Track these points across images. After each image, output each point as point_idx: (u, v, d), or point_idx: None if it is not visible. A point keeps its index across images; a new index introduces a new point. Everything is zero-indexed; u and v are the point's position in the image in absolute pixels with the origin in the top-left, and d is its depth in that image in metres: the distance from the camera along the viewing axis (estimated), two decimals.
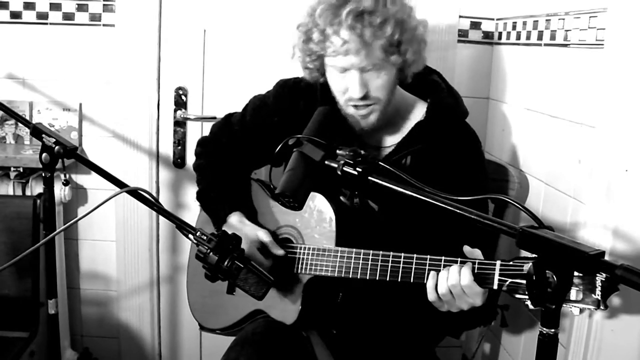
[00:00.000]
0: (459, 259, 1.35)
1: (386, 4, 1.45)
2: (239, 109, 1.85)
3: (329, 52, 1.49)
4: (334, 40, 1.46)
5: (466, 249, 1.36)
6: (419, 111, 1.64)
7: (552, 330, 0.95)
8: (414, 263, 1.40)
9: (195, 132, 2.41)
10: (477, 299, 1.32)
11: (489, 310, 1.47)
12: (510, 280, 1.26)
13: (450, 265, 1.35)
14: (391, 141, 1.65)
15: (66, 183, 2.24)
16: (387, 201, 1.58)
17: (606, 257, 0.92)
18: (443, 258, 1.37)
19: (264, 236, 1.66)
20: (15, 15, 2.32)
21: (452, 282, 1.32)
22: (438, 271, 1.36)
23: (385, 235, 1.52)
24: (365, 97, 1.50)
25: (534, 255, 0.96)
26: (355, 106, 1.53)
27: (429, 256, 1.39)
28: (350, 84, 1.50)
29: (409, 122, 1.63)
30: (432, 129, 1.60)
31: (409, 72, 1.55)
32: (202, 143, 1.89)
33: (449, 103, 1.64)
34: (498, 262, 1.29)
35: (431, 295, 1.37)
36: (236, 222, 1.71)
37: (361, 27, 1.42)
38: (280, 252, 1.64)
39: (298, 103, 1.70)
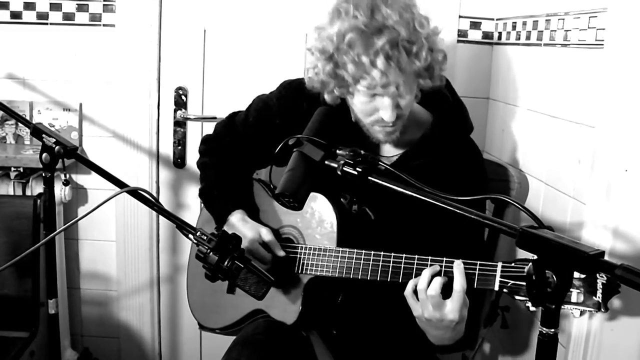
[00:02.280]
0: (460, 260, 1.35)
1: (416, 27, 1.40)
2: (239, 109, 1.85)
3: (364, 84, 1.42)
4: (372, 73, 1.39)
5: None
6: (424, 123, 1.63)
7: (552, 330, 0.95)
8: (415, 264, 1.40)
9: (196, 132, 2.41)
10: (436, 313, 1.33)
11: (468, 339, 1.49)
12: (511, 282, 1.26)
13: (451, 267, 1.35)
14: (393, 152, 1.64)
15: (66, 183, 2.25)
16: (385, 210, 1.58)
17: (606, 257, 0.92)
18: (444, 259, 1.37)
19: (266, 234, 1.66)
20: (15, 15, 2.33)
21: (420, 286, 1.34)
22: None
23: (381, 243, 1.52)
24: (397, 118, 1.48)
25: (535, 257, 0.96)
26: (384, 126, 1.51)
27: (430, 257, 1.39)
28: (381, 107, 1.45)
29: (413, 133, 1.62)
30: (436, 143, 1.59)
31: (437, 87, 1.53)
32: (206, 141, 1.90)
33: (454, 117, 1.63)
34: (499, 264, 1.29)
35: (409, 289, 1.38)
36: (238, 220, 1.71)
37: (398, 56, 1.37)
38: (281, 253, 1.64)
39: (301, 104, 1.70)
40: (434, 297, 1.32)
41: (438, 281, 1.33)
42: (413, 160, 1.59)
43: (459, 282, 1.31)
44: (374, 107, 1.47)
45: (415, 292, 1.36)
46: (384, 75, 1.38)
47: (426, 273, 1.34)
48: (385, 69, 1.37)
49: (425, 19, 1.45)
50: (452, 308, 1.32)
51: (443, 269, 1.36)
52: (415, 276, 1.39)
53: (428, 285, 1.33)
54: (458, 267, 1.33)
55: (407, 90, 1.44)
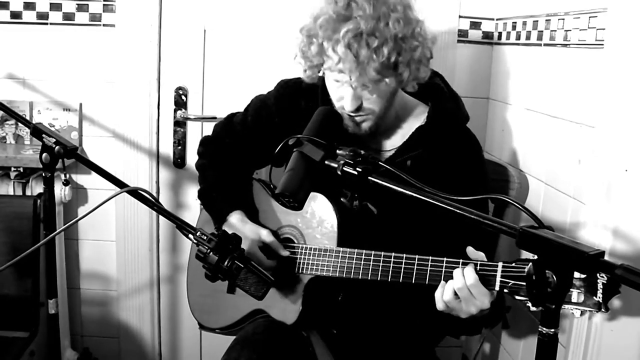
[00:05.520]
0: (461, 261, 1.35)
1: (388, 24, 1.42)
2: (239, 109, 1.85)
3: (325, 66, 1.51)
4: (331, 56, 1.46)
5: (469, 250, 1.36)
6: (420, 115, 1.64)
7: (552, 330, 0.95)
8: (415, 264, 1.40)
9: (195, 132, 2.41)
10: (484, 299, 1.31)
11: (495, 314, 1.47)
12: (512, 282, 1.26)
13: (452, 267, 1.34)
14: (391, 144, 1.65)
15: (66, 183, 2.24)
16: (387, 205, 1.58)
17: (606, 257, 0.92)
18: (445, 259, 1.37)
19: (266, 236, 1.66)
20: (15, 15, 2.32)
21: (458, 285, 1.31)
22: (440, 272, 1.37)
23: (384, 238, 1.52)
24: (358, 110, 1.51)
25: (536, 257, 0.96)
26: (350, 116, 1.53)
27: (430, 257, 1.39)
28: (343, 95, 1.50)
29: (410, 125, 1.63)
30: (433, 133, 1.60)
31: (408, 86, 1.54)
32: (205, 142, 1.90)
33: (450, 107, 1.64)
34: (500, 264, 1.29)
35: (440, 304, 1.36)
36: (237, 221, 1.71)
37: (357, 47, 1.40)
38: (284, 252, 1.64)
39: (299, 103, 1.70)
40: (476, 286, 1.30)
41: (470, 270, 1.30)
42: (410, 151, 1.60)
43: (471, 278, 1.30)
44: (340, 95, 1.52)
45: (455, 293, 1.33)
46: (340, 62, 1.44)
47: (457, 272, 1.33)
48: (342, 56, 1.42)
49: (408, 20, 1.46)
50: (481, 302, 1.32)
51: (443, 269, 1.36)
52: (416, 276, 1.39)
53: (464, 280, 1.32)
54: (461, 266, 1.33)
55: (369, 85, 1.47)
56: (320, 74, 1.59)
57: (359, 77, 1.44)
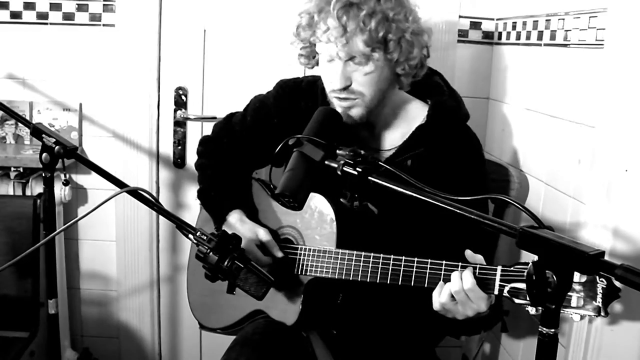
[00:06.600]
0: (460, 264, 1.34)
1: (379, 0, 1.46)
2: (239, 109, 1.85)
3: (313, 39, 1.54)
4: (320, 27, 1.49)
5: (468, 253, 1.36)
6: (420, 114, 1.64)
7: (552, 330, 0.95)
8: (414, 267, 1.40)
9: (195, 132, 2.41)
10: (481, 303, 1.31)
11: (492, 317, 1.47)
12: (510, 285, 1.26)
13: (451, 270, 1.35)
14: (391, 143, 1.65)
15: (66, 183, 2.24)
16: (387, 204, 1.58)
17: (606, 257, 0.92)
18: (444, 262, 1.37)
19: (264, 235, 1.66)
20: (15, 15, 2.33)
21: (455, 288, 1.31)
22: (439, 275, 1.37)
23: (384, 238, 1.52)
24: (346, 89, 1.51)
25: (535, 260, 0.96)
26: (339, 98, 1.53)
27: (430, 260, 1.39)
28: (333, 73, 1.51)
29: (410, 124, 1.63)
30: (434, 132, 1.60)
31: (403, 73, 1.54)
32: (204, 142, 1.90)
33: (450, 106, 1.64)
34: (499, 268, 1.29)
35: (436, 305, 1.37)
36: (236, 221, 1.71)
37: (346, 18, 1.44)
38: (279, 254, 1.64)
39: (298, 103, 1.70)
40: (473, 290, 1.30)
41: (468, 274, 1.31)
42: (410, 150, 1.59)
43: (468, 282, 1.30)
44: (330, 76, 1.53)
45: (452, 296, 1.34)
46: (328, 29, 1.47)
47: (455, 275, 1.33)
48: (331, 25, 1.46)
49: (400, 2, 1.49)
50: (477, 305, 1.33)
51: (442, 272, 1.36)
52: (415, 280, 1.40)
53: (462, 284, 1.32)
54: (460, 269, 1.33)
55: (356, 60, 1.48)
56: (315, 58, 1.60)
57: (345, 45, 1.45)
